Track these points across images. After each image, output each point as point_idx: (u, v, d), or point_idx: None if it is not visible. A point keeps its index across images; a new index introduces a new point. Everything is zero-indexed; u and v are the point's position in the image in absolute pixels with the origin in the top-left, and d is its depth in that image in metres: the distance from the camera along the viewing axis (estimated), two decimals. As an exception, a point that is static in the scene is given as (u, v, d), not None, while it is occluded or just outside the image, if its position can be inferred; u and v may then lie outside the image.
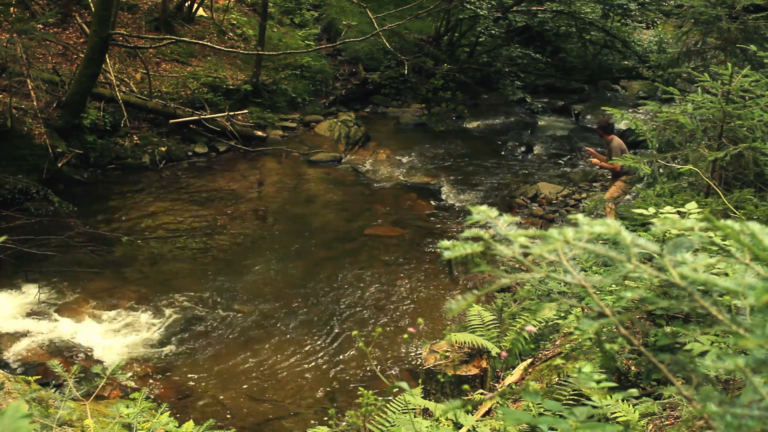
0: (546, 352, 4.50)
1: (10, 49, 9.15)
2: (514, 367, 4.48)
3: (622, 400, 2.88)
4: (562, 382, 3.64)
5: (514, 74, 15.01)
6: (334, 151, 12.03)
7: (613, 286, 3.44)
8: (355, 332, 2.14)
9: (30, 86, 9.54)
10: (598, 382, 1.30)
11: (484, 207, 0.92)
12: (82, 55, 10.33)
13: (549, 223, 9.12)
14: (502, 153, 12.63)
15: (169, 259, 8.00)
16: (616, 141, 7.72)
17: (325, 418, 5.07)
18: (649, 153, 5.54)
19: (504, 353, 2.94)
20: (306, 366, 6.02)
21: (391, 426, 3.16)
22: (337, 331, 6.57)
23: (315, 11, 17.30)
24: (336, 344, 6.35)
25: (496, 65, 15.24)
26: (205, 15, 14.62)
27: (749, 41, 6.71)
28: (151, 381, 5.73)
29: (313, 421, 5.12)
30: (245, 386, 5.72)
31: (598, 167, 8.86)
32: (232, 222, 9.15)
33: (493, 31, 14.70)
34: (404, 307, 7.01)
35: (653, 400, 3.13)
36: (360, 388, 2.46)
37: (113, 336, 6.36)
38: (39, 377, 4.38)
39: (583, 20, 15.46)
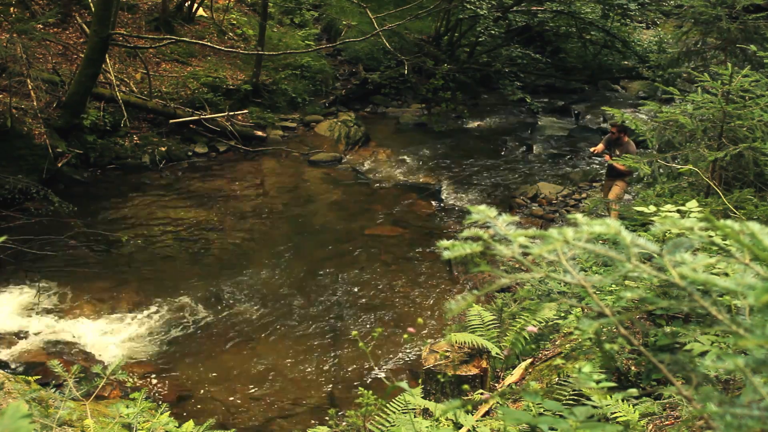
0: (546, 352, 4.50)
1: (10, 49, 9.15)
2: (514, 367, 4.48)
3: (622, 400, 2.88)
4: (562, 382, 3.64)
5: (514, 74, 15.01)
6: (334, 151, 12.02)
7: (613, 286, 3.44)
8: (354, 332, 2.14)
9: (30, 86, 9.54)
10: (598, 382, 1.30)
11: (483, 207, 0.92)
12: (82, 55, 10.33)
13: (549, 223, 9.12)
14: (502, 153, 12.63)
15: (169, 259, 8.00)
16: (634, 146, 7.67)
17: (326, 418, 5.06)
18: (649, 153, 5.54)
19: (505, 352, 2.94)
20: (306, 366, 6.02)
21: (391, 426, 3.16)
22: (337, 331, 6.57)
23: (315, 11, 17.30)
24: (336, 344, 6.35)
25: (496, 65, 15.24)
26: (205, 15, 14.62)
27: (749, 41, 6.71)
28: (151, 381, 5.73)
29: (313, 421, 5.12)
30: (245, 386, 5.72)
31: (604, 161, 8.74)
32: (232, 222, 9.15)
33: (493, 31, 14.71)
34: (404, 307, 7.01)
35: (653, 400, 3.13)
36: (360, 388, 2.46)
37: (113, 336, 6.36)
38: (39, 377, 4.37)
39: (583, 20, 15.47)
